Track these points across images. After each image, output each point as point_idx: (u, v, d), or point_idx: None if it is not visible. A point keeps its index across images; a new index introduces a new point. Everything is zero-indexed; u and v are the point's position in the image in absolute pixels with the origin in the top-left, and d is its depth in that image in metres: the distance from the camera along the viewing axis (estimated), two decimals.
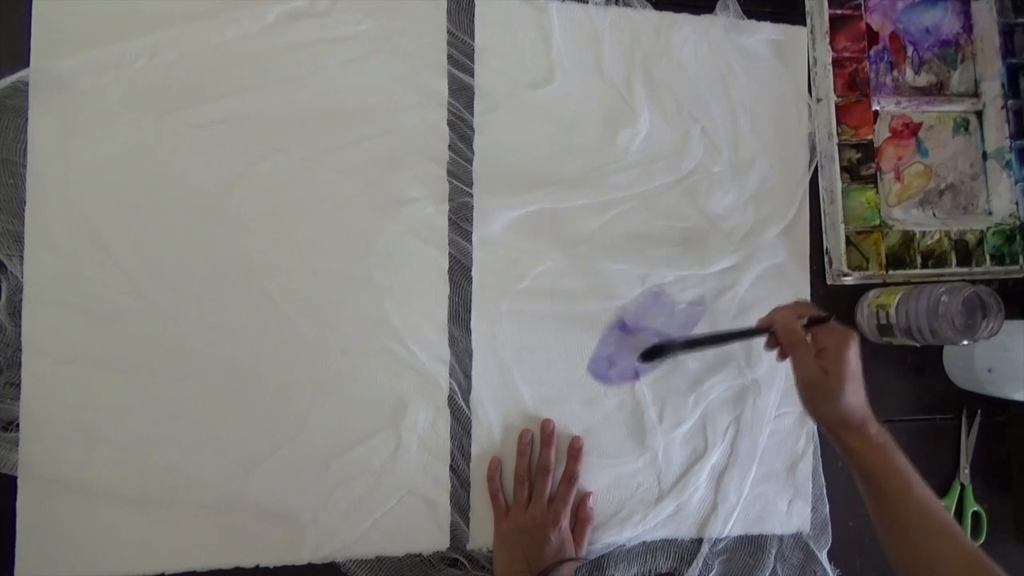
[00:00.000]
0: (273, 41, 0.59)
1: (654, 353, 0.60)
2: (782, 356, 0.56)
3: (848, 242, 0.66)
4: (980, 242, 0.69)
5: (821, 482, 0.67)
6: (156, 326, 0.56)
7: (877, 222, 0.67)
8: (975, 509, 0.69)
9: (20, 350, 0.54)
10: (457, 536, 0.60)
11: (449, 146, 0.61)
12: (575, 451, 0.62)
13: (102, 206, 0.56)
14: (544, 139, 0.63)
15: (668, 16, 0.66)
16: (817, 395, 0.52)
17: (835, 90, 0.67)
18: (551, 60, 0.64)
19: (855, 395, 0.51)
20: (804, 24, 0.69)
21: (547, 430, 0.62)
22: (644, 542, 0.64)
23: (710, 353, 0.65)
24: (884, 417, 0.69)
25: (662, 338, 0.61)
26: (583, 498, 0.62)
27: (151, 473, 0.55)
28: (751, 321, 0.66)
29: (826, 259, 0.68)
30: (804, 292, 0.68)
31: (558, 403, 0.63)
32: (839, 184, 0.66)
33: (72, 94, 0.55)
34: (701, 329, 0.65)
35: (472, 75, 0.62)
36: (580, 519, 0.61)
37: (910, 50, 0.72)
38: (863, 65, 0.68)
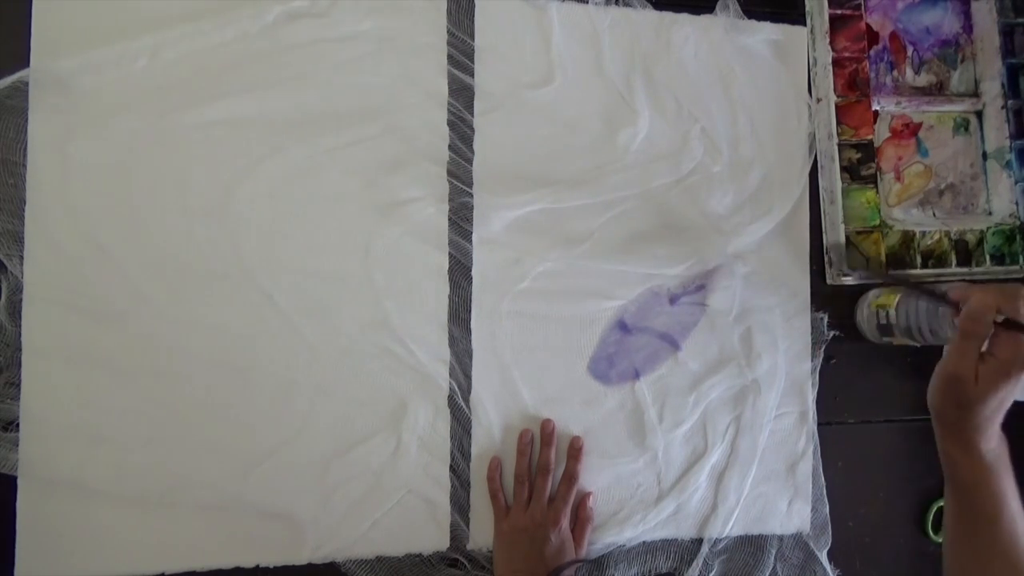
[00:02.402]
0: (273, 41, 0.59)
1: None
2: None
3: (848, 242, 0.66)
4: (980, 242, 0.69)
5: (821, 482, 0.67)
6: (156, 326, 0.56)
7: (877, 222, 0.67)
8: None
9: (20, 350, 0.54)
10: (457, 536, 0.60)
11: (449, 146, 0.61)
12: (575, 451, 0.62)
13: (102, 206, 0.56)
14: (544, 139, 0.63)
15: (668, 16, 0.66)
16: (954, 394, 0.46)
17: (835, 90, 0.67)
18: (551, 60, 0.64)
19: (989, 416, 0.45)
20: (804, 24, 0.69)
21: (547, 430, 0.62)
22: (644, 542, 0.64)
23: (710, 353, 0.65)
24: (884, 417, 0.70)
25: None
26: (583, 498, 0.62)
27: (151, 473, 0.55)
28: (751, 320, 0.66)
29: (826, 259, 0.68)
30: (804, 292, 0.68)
31: (558, 403, 0.63)
32: (839, 184, 0.66)
33: (72, 94, 0.55)
34: (702, 328, 0.65)
35: (472, 75, 0.62)
36: (580, 519, 0.61)
37: (910, 50, 0.72)
38: (863, 65, 0.68)
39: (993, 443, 0.46)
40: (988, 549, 0.46)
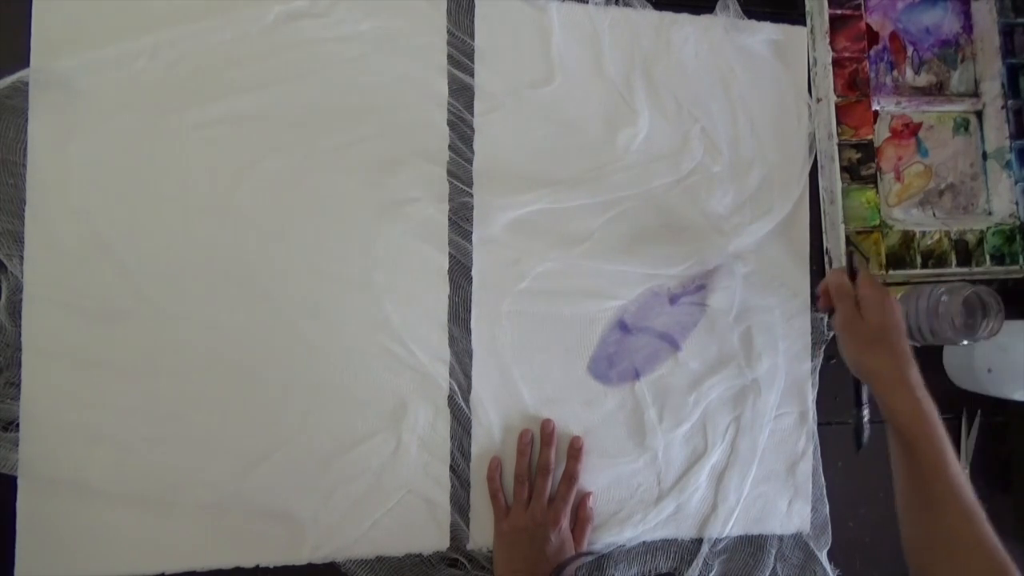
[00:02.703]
0: (273, 41, 0.59)
1: None
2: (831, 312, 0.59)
3: (848, 242, 0.66)
4: (980, 242, 0.69)
5: (821, 482, 0.67)
6: (156, 326, 0.56)
7: (877, 222, 0.67)
8: None
9: (20, 350, 0.54)
10: (457, 536, 0.60)
11: (449, 146, 0.61)
12: (575, 451, 0.62)
13: (102, 206, 0.56)
14: (544, 139, 0.63)
15: (668, 16, 0.66)
16: (859, 341, 0.54)
17: (835, 90, 0.67)
18: (551, 60, 0.64)
19: (896, 342, 0.53)
20: (804, 24, 0.69)
21: (547, 430, 0.62)
22: (644, 542, 0.64)
23: (710, 353, 0.65)
24: (884, 417, 0.69)
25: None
26: (583, 498, 0.62)
27: (151, 473, 0.55)
28: (751, 320, 0.66)
29: (826, 259, 0.68)
30: (804, 292, 0.68)
31: (558, 403, 0.63)
32: (839, 184, 0.66)
33: (72, 94, 0.55)
34: (702, 328, 0.65)
35: (472, 75, 0.62)
36: (580, 519, 0.61)
37: (910, 50, 0.72)
38: (863, 65, 0.68)
39: (922, 388, 0.51)
40: (940, 503, 0.47)
